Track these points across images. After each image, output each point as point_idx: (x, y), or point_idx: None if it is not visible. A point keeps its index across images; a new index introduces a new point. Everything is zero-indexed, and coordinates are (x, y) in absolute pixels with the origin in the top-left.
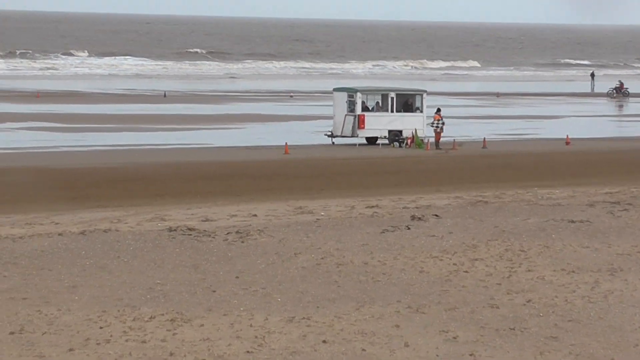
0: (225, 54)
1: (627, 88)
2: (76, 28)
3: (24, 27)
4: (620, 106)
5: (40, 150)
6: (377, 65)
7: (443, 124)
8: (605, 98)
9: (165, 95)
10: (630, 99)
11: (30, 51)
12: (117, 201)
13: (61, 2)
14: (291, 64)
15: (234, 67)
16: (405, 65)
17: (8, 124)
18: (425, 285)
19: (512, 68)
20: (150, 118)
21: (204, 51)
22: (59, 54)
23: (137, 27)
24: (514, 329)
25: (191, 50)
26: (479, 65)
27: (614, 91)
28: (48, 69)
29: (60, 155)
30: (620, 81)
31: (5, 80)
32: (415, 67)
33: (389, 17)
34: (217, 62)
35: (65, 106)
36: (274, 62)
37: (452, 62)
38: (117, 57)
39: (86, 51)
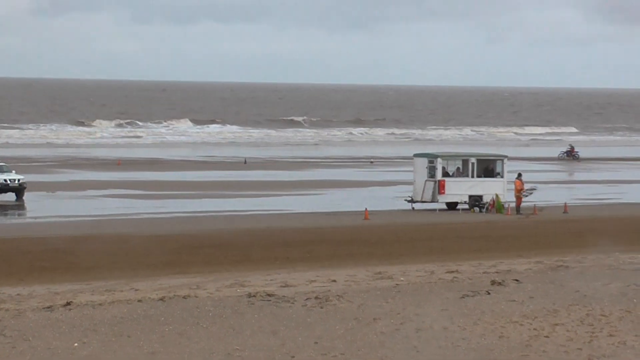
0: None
1: (577, 152)
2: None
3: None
4: None
5: (121, 218)
6: (474, 131)
7: (535, 189)
8: None
9: (245, 162)
10: None
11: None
12: (197, 267)
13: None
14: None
15: (317, 133)
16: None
17: (89, 192)
18: (506, 351)
19: (604, 133)
20: (231, 184)
21: (301, 118)
22: (164, 121)
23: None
24: None
25: (286, 117)
26: (576, 130)
27: (565, 154)
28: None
29: (141, 222)
30: (570, 145)
31: (109, 148)
32: (515, 133)
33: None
34: (304, 129)
35: (148, 174)
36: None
37: (550, 127)
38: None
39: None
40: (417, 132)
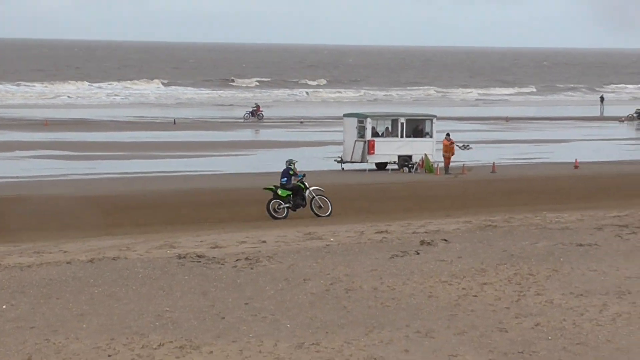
0: (233, 81)
1: (262, 111)
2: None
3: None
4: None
5: (50, 179)
6: (405, 90)
7: (468, 148)
8: (615, 122)
9: (175, 123)
10: None
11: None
12: (127, 229)
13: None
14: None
15: (244, 95)
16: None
17: (17, 152)
18: (434, 310)
19: (535, 90)
20: (160, 145)
21: (240, 80)
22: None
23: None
24: (522, 353)
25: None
26: (535, 90)
27: (250, 114)
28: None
29: (69, 183)
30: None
31: (14, 109)
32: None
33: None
34: (228, 90)
35: (76, 134)
36: (287, 89)
37: (514, 88)
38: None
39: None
40: (379, 93)
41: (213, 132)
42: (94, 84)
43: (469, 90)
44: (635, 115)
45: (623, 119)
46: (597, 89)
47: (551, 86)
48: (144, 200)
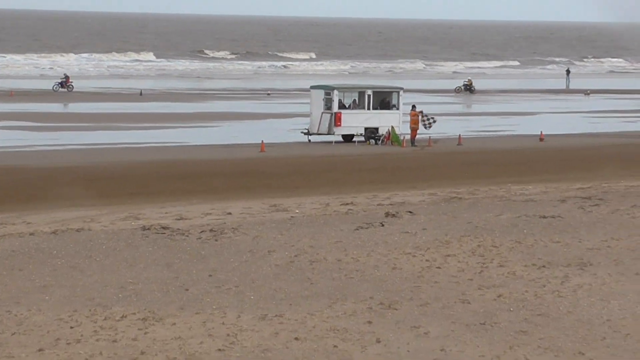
0: (205, 53)
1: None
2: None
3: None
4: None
5: (13, 150)
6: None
7: (434, 120)
8: (581, 95)
9: (141, 94)
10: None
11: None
12: (91, 200)
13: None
14: (270, 62)
15: (211, 65)
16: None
17: None
18: (398, 282)
19: (499, 64)
20: (126, 117)
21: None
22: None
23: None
24: (484, 324)
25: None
26: (518, 63)
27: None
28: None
29: (34, 154)
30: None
31: None
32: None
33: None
34: (197, 61)
35: (41, 105)
36: (251, 61)
37: (500, 61)
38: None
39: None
40: (363, 65)
41: (180, 103)
42: (61, 54)
43: (454, 63)
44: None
45: (589, 92)
46: (576, 62)
47: (534, 60)
48: (109, 171)
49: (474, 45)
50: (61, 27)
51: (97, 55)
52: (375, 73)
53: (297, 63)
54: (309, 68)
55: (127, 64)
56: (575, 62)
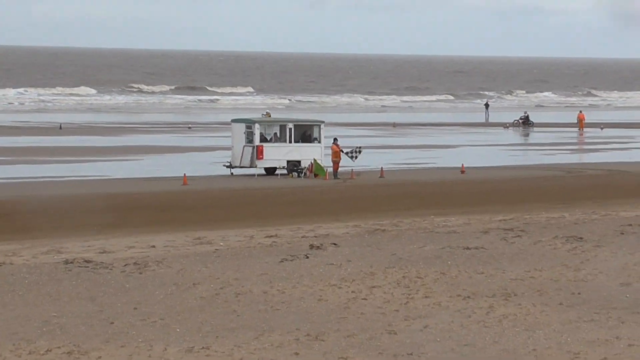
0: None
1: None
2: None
3: None
4: (524, 135)
5: None
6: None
7: (359, 151)
8: (501, 127)
9: (61, 128)
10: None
11: None
12: (12, 234)
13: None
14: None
15: (138, 99)
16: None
17: None
18: (324, 313)
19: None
20: (45, 150)
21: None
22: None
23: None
24: (411, 354)
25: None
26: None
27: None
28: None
29: None
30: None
31: None
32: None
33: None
34: (122, 96)
35: None
36: (176, 96)
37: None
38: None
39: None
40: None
41: (101, 137)
42: None
43: (392, 97)
44: (519, 121)
45: (508, 125)
46: (506, 96)
47: (468, 93)
48: (30, 205)
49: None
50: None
51: (17, 90)
52: (305, 107)
53: (233, 97)
54: (242, 102)
55: (51, 97)
56: (504, 96)
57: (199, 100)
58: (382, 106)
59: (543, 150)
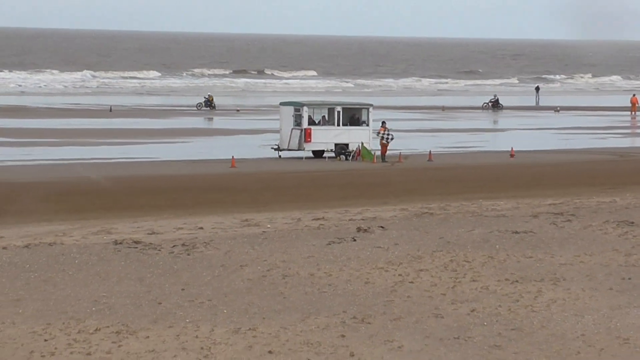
0: (177, 68)
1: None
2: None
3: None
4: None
5: None
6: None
7: (392, 137)
8: (551, 111)
9: (111, 110)
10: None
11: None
12: (63, 215)
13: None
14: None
15: (184, 82)
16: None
17: None
18: (371, 296)
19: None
20: (96, 132)
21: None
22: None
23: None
24: (458, 338)
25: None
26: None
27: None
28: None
29: (5, 169)
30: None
31: None
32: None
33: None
34: (170, 78)
35: (12, 121)
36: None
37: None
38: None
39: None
40: (347, 84)
41: (150, 119)
42: (31, 73)
43: (455, 81)
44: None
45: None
46: (565, 80)
47: (529, 77)
48: (80, 186)
49: (458, 62)
50: (36, 45)
51: (62, 74)
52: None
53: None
54: (304, 85)
55: (98, 80)
56: (566, 81)
57: (264, 83)
58: (438, 90)
59: (595, 135)
